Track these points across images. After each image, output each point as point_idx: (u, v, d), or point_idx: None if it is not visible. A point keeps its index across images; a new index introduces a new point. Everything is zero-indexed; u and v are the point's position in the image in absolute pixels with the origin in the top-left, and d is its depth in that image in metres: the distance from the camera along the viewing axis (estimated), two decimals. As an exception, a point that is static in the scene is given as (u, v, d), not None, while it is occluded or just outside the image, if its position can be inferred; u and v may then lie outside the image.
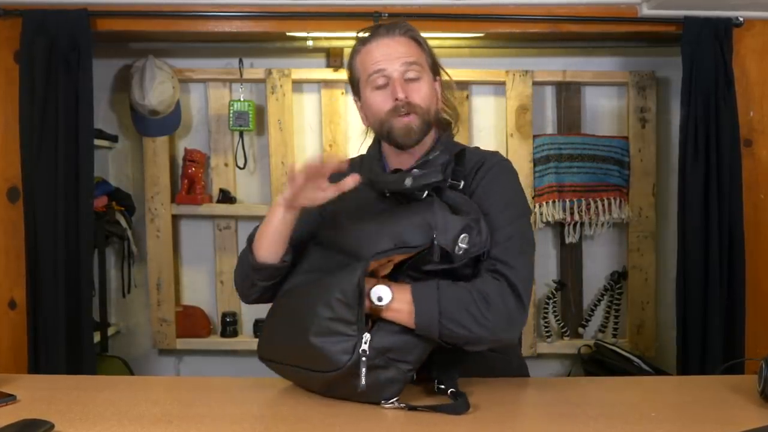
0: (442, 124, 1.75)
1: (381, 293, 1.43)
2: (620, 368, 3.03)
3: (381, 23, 1.71)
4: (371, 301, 1.42)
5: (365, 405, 1.45)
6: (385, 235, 1.48)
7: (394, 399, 1.44)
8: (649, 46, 3.23)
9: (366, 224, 1.55)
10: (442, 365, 1.54)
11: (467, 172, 1.63)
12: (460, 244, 1.46)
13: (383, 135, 1.68)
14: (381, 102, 1.65)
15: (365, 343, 1.39)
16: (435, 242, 1.44)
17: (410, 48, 1.67)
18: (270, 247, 1.58)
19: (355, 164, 1.79)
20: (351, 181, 1.48)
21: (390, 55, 1.64)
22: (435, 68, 1.73)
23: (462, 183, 1.61)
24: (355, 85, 1.74)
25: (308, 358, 1.44)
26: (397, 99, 1.63)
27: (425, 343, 1.47)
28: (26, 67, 2.80)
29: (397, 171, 1.66)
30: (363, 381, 1.38)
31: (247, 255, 1.62)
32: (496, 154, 1.73)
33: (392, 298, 1.43)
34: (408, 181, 1.54)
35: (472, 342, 1.48)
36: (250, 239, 1.63)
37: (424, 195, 1.54)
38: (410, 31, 1.69)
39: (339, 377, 1.41)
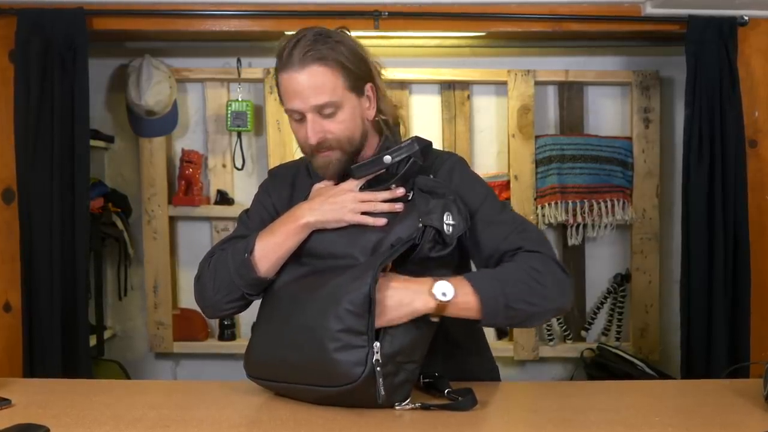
0: (383, 127, 1.69)
1: (444, 289, 1.41)
2: (623, 372, 3.03)
3: (298, 38, 1.56)
4: (435, 298, 1.41)
5: (365, 408, 1.44)
6: (376, 236, 1.50)
7: (407, 400, 1.45)
8: (652, 46, 3.21)
9: (353, 229, 1.54)
10: (428, 368, 1.55)
11: (425, 167, 1.61)
12: (446, 222, 1.47)
13: (310, 162, 1.66)
14: (299, 135, 1.61)
15: (377, 352, 1.36)
16: (424, 225, 1.46)
17: (324, 79, 1.54)
18: (278, 263, 1.56)
19: (298, 167, 1.77)
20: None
21: (302, 94, 1.54)
22: (361, 80, 1.60)
23: (431, 175, 1.61)
24: None
25: (319, 374, 1.40)
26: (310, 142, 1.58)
27: (428, 338, 1.48)
28: (21, 67, 2.77)
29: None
30: (383, 392, 1.36)
31: (241, 268, 1.56)
32: (452, 153, 1.74)
33: (455, 293, 1.41)
34: (387, 158, 1.53)
35: (536, 315, 1.50)
36: (249, 251, 1.55)
37: (408, 195, 1.54)
38: (323, 59, 1.53)
39: (352, 390, 1.37)
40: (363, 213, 1.53)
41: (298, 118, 1.58)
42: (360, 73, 1.60)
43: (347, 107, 1.58)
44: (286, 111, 1.60)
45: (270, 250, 1.55)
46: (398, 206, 1.53)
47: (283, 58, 1.56)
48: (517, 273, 1.47)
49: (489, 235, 1.56)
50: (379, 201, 1.54)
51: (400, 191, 1.54)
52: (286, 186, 1.73)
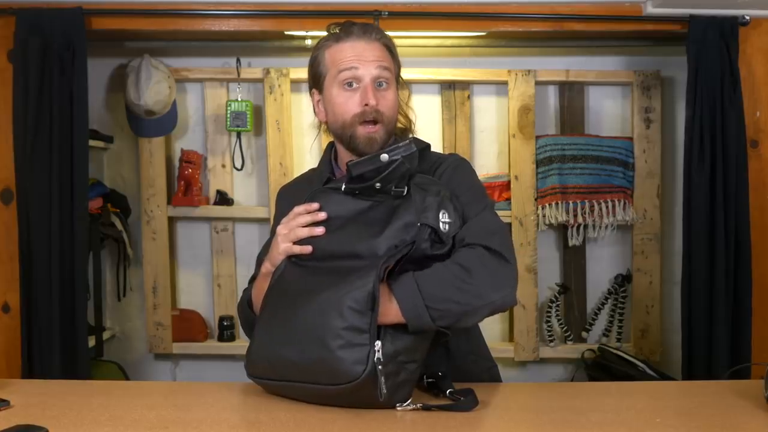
0: (396, 131, 1.75)
1: None
2: (624, 373, 3.02)
3: (351, 23, 1.70)
4: None
5: (363, 409, 1.43)
6: (381, 236, 1.47)
7: (408, 401, 1.44)
8: (653, 45, 3.21)
9: (350, 228, 1.52)
10: (431, 367, 1.55)
11: (424, 169, 1.62)
12: (442, 220, 1.48)
13: (344, 138, 1.69)
14: (348, 104, 1.65)
15: (378, 351, 1.36)
16: (420, 223, 1.46)
17: (383, 54, 1.68)
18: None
19: (312, 179, 1.81)
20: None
21: (364, 57, 1.65)
22: (399, 73, 1.75)
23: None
24: (317, 79, 1.72)
25: (321, 372, 1.39)
26: (366, 105, 1.63)
27: (429, 338, 1.48)
28: (20, 67, 2.77)
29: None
30: (384, 390, 1.36)
31: (247, 313, 1.71)
32: (454, 154, 1.77)
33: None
34: (384, 156, 1.52)
35: (468, 313, 1.46)
36: (248, 300, 1.72)
37: (402, 190, 1.52)
38: (384, 38, 1.70)
39: (353, 389, 1.36)
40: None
41: (350, 85, 1.65)
42: (399, 67, 1.74)
43: (393, 88, 1.70)
44: (340, 73, 1.65)
45: (256, 296, 1.66)
46: (318, 230, 1.53)
47: (339, 34, 1.67)
48: (442, 272, 1.45)
49: None
50: (297, 227, 1.55)
51: (314, 206, 1.55)
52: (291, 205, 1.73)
